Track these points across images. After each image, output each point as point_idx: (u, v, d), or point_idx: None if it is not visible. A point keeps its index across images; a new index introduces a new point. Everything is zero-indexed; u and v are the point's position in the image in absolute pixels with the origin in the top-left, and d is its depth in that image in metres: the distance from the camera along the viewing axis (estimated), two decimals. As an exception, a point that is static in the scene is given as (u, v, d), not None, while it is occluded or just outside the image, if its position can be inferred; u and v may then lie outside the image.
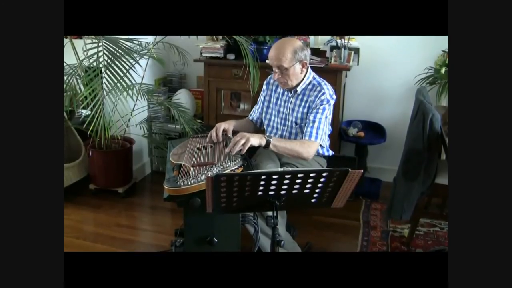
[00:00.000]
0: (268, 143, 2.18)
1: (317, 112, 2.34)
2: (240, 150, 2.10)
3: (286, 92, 2.48)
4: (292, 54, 2.28)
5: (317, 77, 2.46)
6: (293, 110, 2.44)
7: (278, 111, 2.51)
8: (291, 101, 2.45)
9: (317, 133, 2.32)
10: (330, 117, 2.42)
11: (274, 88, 2.56)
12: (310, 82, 2.43)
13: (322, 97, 2.35)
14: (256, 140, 2.14)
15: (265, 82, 2.63)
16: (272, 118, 2.55)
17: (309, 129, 2.32)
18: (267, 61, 3.40)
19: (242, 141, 2.10)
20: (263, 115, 2.60)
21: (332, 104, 2.39)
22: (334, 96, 2.41)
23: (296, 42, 2.33)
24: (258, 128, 2.64)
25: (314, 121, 2.33)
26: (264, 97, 2.60)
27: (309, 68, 2.44)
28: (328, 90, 2.38)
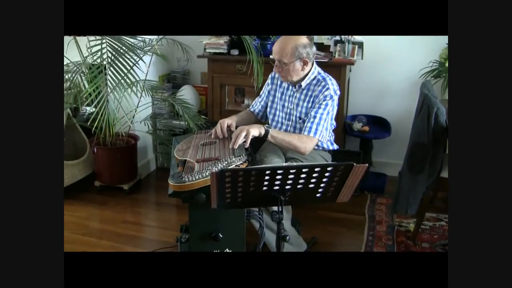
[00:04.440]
0: (266, 133, 2.19)
1: (319, 108, 2.33)
2: (244, 143, 2.11)
3: (290, 87, 2.47)
4: (293, 50, 2.28)
5: (322, 72, 2.45)
6: (297, 105, 2.43)
7: (283, 106, 2.51)
8: (296, 96, 2.44)
9: (316, 129, 2.31)
10: (333, 112, 2.40)
11: (279, 82, 2.55)
12: (315, 77, 2.42)
13: (326, 93, 2.33)
14: (255, 130, 2.16)
15: (270, 76, 2.62)
16: (277, 112, 2.54)
17: (309, 124, 2.32)
18: (271, 56, 3.42)
19: (243, 134, 2.12)
20: (268, 109, 2.59)
21: (335, 100, 2.38)
22: (338, 92, 2.40)
23: (300, 39, 2.31)
24: (258, 120, 2.64)
25: (315, 117, 2.32)
26: (269, 91, 2.60)
27: (314, 63, 2.43)
28: (332, 85, 2.37)
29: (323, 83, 2.37)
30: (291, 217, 2.45)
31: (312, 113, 2.33)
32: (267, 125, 2.27)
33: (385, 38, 3.49)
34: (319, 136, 2.32)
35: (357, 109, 3.74)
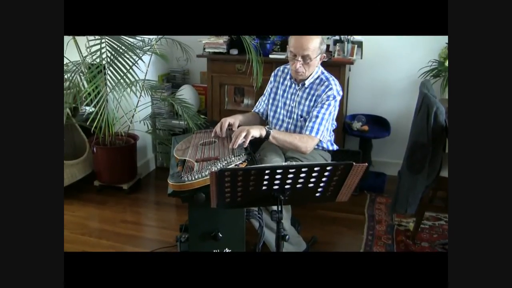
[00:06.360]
0: (268, 134, 2.19)
1: (321, 107, 2.33)
2: (243, 143, 2.11)
3: (293, 85, 2.47)
4: (318, 44, 2.30)
5: (325, 72, 2.46)
6: (299, 103, 2.43)
7: (284, 104, 2.50)
8: (298, 94, 2.44)
9: (318, 129, 2.31)
10: (335, 113, 2.41)
11: (281, 80, 2.55)
12: (319, 76, 2.42)
13: (329, 93, 2.34)
14: (256, 131, 2.16)
15: (272, 74, 2.62)
16: (278, 110, 2.54)
17: (310, 124, 2.32)
18: (270, 56, 3.43)
19: (243, 134, 2.11)
20: (269, 106, 2.59)
21: (338, 100, 2.38)
22: (341, 92, 2.40)
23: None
24: (264, 121, 2.64)
25: (317, 117, 2.32)
26: (271, 89, 2.59)
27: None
28: (335, 85, 2.37)
29: (326, 83, 2.37)
30: (290, 217, 2.45)
31: (314, 113, 2.33)
32: (268, 126, 2.26)
33: (385, 38, 3.49)
34: (320, 136, 2.32)
35: (357, 108, 3.74)
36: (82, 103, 3.38)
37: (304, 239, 2.58)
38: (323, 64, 2.50)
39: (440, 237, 2.84)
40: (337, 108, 2.41)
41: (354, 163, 1.60)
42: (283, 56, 3.34)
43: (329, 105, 2.34)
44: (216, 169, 1.83)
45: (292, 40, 2.32)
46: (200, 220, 1.99)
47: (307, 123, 2.34)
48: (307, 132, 2.31)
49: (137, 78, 2.92)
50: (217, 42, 3.54)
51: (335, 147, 2.55)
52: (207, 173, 1.81)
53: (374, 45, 3.49)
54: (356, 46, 3.33)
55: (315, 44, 2.28)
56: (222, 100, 3.66)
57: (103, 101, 2.79)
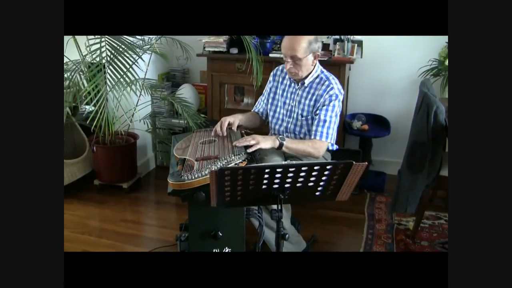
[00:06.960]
0: (281, 145, 2.21)
1: (327, 110, 2.33)
2: (246, 146, 2.11)
3: (293, 84, 2.47)
4: (306, 44, 2.28)
5: (325, 71, 2.45)
6: (299, 102, 2.43)
7: (284, 103, 2.50)
8: (298, 93, 2.44)
9: (327, 133, 2.32)
10: (339, 113, 2.41)
11: (280, 79, 2.55)
12: (318, 75, 2.42)
13: (331, 92, 2.34)
14: (267, 143, 2.17)
15: (271, 74, 2.61)
16: (278, 109, 2.54)
17: (320, 129, 2.32)
18: (270, 55, 3.43)
19: (252, 142, 2.12)
20: (268, 106, 2.59)
21: (341, 100, 2.38)
22: (342, 91, 2.40)
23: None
24: (264, 120, 2.64)
25: (325, 120, 2.32)
26: (270, 88, 2.59)
27: (317, 62, 2.44)
28: (336, 84, 2.37)
29: (326, 83, 2.37)
30: (290, 216, 2.45)
31: (322, 117, 2.33)
32: (280, 136, 2.27)
33: (385, 37, 3.49)
34: (330, 139, 2.34)
35: (357, 107, 3.74)
36: (82, 102, 3.38)
37: (304, 238, 2.59)
38: (323, 63, 2.50)
39: (440, 236, 2.85)
40: (341, 107, 2.41)
41: (354, 162, 1.60)
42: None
43: (334, 106, 2.34)
44: (216, 168, 1.83)
45: (283, 41, 2.34)
46: (200, 219, 2.00)
47: (315, 127, 2.34)
48: (318, 138, 2.32)
49: (137, 77, 2.92)
50: (217, 41, 3.54)
51: (335, 147, 2.55)
52: (207, 172, 1.81)
53: (374, 44, 3.48)
54: (356, 45, 3.33)
55: (302, 45, 2.27)
56: (222, 99, 3.66)
57: (103, 100, 2.79)
